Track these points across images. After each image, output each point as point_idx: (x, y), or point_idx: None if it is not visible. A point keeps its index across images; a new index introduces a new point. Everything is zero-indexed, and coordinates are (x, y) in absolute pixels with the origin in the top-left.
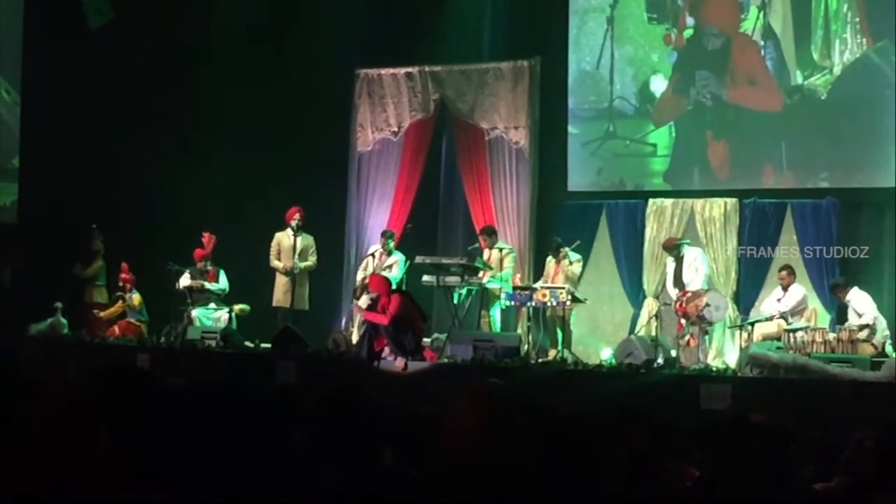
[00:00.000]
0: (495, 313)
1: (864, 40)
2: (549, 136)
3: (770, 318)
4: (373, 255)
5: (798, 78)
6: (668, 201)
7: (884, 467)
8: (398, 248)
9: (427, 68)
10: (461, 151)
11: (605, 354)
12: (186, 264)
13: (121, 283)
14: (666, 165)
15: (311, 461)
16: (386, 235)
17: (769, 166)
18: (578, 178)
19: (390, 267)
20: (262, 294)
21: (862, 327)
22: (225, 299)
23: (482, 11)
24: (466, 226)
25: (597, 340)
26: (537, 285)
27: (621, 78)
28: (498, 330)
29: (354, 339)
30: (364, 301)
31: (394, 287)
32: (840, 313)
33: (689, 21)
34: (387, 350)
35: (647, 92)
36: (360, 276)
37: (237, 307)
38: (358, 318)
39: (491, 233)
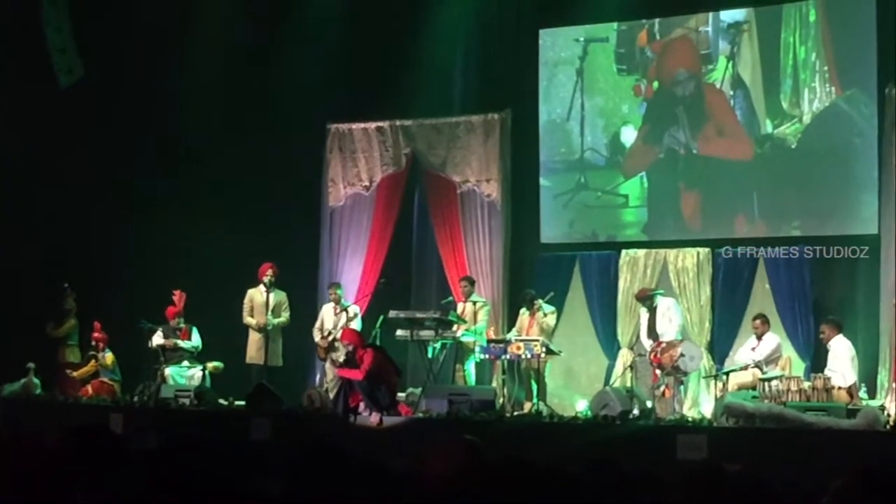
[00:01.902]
0: (470, 367)
1: (833, 89)
2: (521, 188)
3: (745, 368)
4: (345, 310)
5: (768, 127)
6: (641, 252)
7: None
8: (371, 302)
9: (398, 122)
10: (433, 205)
11: (581, 406)
12: (159, 322)
13: (93, 343)
14: (638, 216)
15: None
16: (334, 287)
17: (741, 215)
18: (551, 229)
19: (350, 321)
20: (236, 351)
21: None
22: (198, 357)
23: (452, 65)
24: (440, 279)
25: (572, 392)
26: (511, 338)
27: (592, 129)
28: (473, 383)
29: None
30: (339, 356)
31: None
32: (815, 359)
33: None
34: (361, 405)
35: (618, 143)
36: (316, 337)
37: (210, 365)
38: (330, 375)
39: (472, 282)
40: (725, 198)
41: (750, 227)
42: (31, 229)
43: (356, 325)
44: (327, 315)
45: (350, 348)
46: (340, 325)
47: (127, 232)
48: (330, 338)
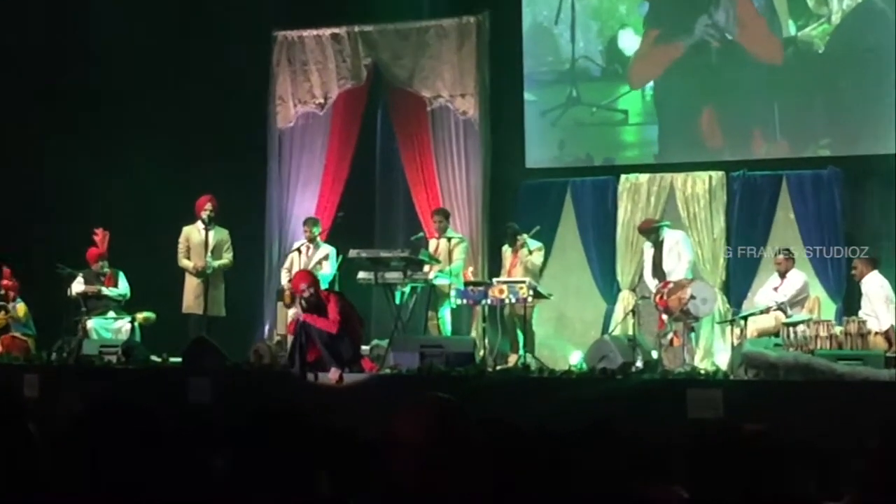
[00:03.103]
0: (445, 314)
1: None
2: (502, 104)
3: (766, 311)
4: (298, 249)
5: (791, 29)
6: (644, 177)
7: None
8: (327, 240)
9: (357, 28)
10: (399, 125)
11: (575, 358)
12: (79, 267)
13: (2, 292)
14: (640, 135)
15: (232, 494)
16: (310, 223)
17: (759, 132)
18: (538, 152)
19: (321, 263)
20: (170, 299)
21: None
22: (126, 306)
23: None
24: (408, 213)
25: (564, 342)
26: (493, 280)
27: (584, 34)
28: (448, 333)
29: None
30: (297, 312)
31: (324, 286)
32: (848, 299)
33: None
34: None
35: (615, 49)
36: (284, 278)
37: (140, 315)
38: (282, 327)
39: (446, 215)
40: (741, 112)
41: (770, 147)
42: None
43: (329, 267)
44: (297, 254)
45: (311, 291)
46: (312, 266)
47: (39, 163)
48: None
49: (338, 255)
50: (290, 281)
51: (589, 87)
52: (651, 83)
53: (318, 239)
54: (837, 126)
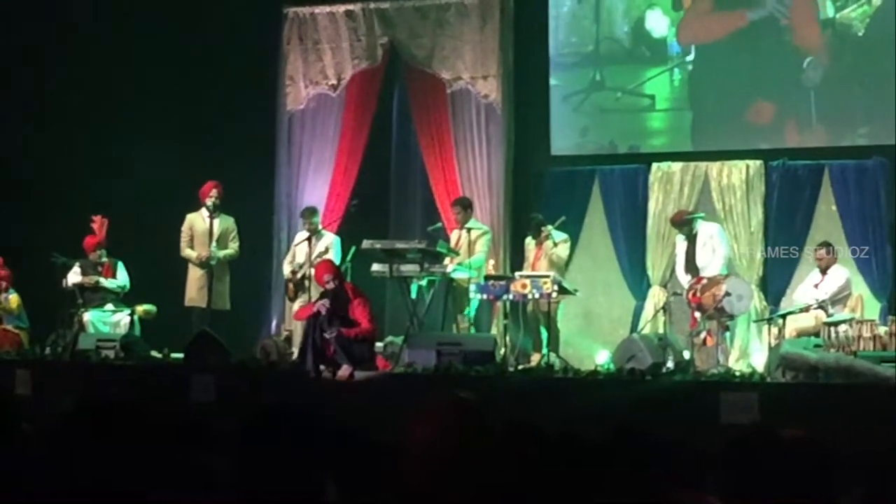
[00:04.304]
0: (472, 315)
1: None
2: (527, 87)
3: (805, 309)
4: (309, 240)
5: (829, 10)
6: (677, 166)
7: None
8: (339, 230)
9: (372, 5)
10: (417, 108)
11: (602, 358)
12: (75, 256)
13: None
14: (667, 121)
15: (235, 498)
16: (306, 215)
17: (792, 120)
18: (563, 139)
19: (322, 253)
20: (172, 291)
21: None
22: (125, 298)
23: None
24: (425, 201)
25: (591, 341)
26: (515, 274)
27: (609, 15)
28: (472, 332)
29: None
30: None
31: None
32: (894, 298)
33: None
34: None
35: (642, 31)
36: (287, 270)
37: (140, 308)
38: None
39: (466, 206)
40: (773, 97)
41: (805, 135)
42: None
43: (333, 256)
44: (300, 246)
45: (336, 283)
46: (314, 257)
47: (34, 146)
48: (300, 273)
49: (346, 245)
50: (292, 272)
51: (614, 70)
52: (689, 63)
53: (321, 228)
54: (877, 113)
